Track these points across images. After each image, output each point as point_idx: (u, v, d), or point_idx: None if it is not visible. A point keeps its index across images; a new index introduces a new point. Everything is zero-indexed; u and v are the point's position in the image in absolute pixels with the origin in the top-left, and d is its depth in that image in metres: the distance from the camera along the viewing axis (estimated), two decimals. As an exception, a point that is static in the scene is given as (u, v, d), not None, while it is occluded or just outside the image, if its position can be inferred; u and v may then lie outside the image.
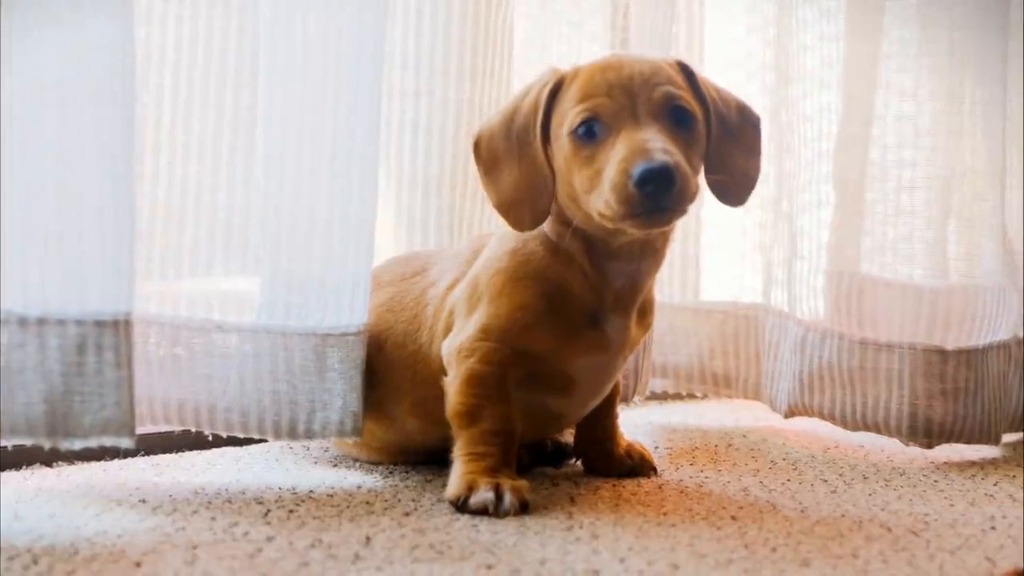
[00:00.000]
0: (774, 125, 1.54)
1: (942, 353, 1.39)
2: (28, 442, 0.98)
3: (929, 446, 1.40)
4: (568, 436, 1.30)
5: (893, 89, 1.45)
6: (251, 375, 1.14)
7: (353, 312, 1.15)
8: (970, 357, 1.40)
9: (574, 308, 1.10)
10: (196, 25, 1.16)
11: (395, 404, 1.18)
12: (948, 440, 1.39)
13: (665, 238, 1.13)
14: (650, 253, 1.11)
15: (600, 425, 1.24)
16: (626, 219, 1.01)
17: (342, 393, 1.15)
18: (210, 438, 1.23)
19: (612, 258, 1.10)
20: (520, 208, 1.09)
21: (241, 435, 1.16)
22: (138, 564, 0.87)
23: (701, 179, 1.09)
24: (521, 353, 1.10)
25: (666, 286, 1.61)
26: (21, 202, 0.96)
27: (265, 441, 1.30)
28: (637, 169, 0.98)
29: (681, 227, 1.61)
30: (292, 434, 1.15)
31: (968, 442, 1.40)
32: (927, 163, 1.45)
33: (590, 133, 1.04)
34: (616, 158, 1.00)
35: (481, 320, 1.10)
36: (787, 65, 1.50)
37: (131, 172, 1.01)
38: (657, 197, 0.98)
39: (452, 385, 1.11)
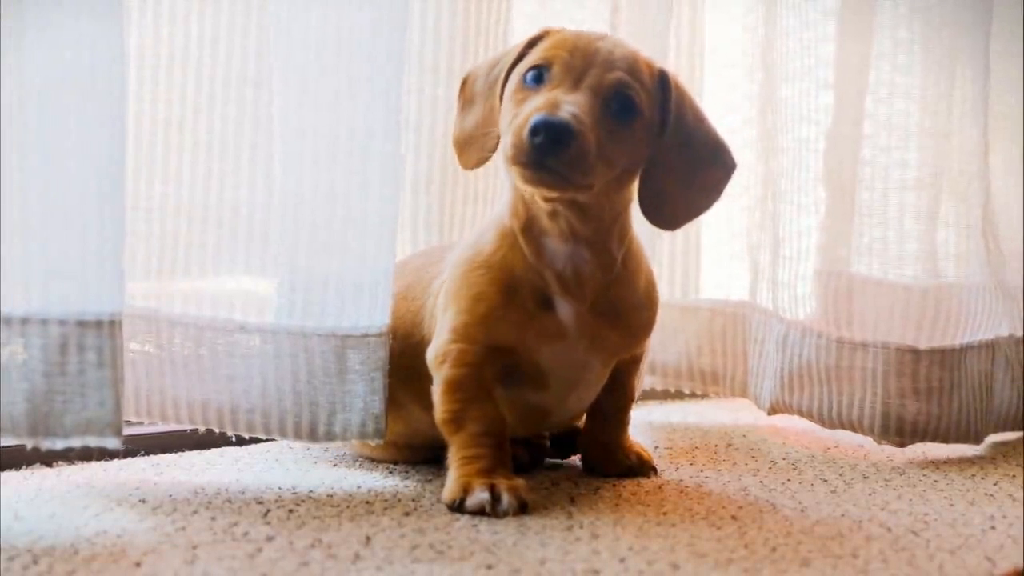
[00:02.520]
0: (762, 126, 1.54)
1: (915, 352, 1.39)
2: (10, 441, 0.99)
3: (902, 445, 1.40)
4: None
5: (882, 88, 1.45)
6: (272, 376, 1.14)
7: (373, 313, 1.15)
8: (944, 357, 1.40)
9: (524, 290, 1.10)
10: (217, 22, 1.16)
11: (403, 391, 1.18)
12: (922, 439, 1.39)
13: (599, 228, 1.10)
14: (583, 240, 1.10)
15: (607, 427, 1.23)
16: (515, 165, 1.01)
17: (363, 395, 1.15)
18: (233, 437, 1.22)
19: (545, 234, 1.10)
20: (470, 147, 1.12)
21: (263, 436, 1.16)
22: (138, 564, 0.87)
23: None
24: (491, 348, 1.10)
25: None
26: (5, 201, 0.96)
27: (269, 441, 1.30)
28: (534, 118, 0.99)
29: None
30: (313, 436, 1.15)
31: (945, 441, 1.40)
32: (911, 163, 1.44)
33: (538, 79, 1.05)
34: (530, 106, 1.02)
35: (449, 321, 1.11)
36: (778, 64, 1.49)
37: (121, 172, 1.01)
38: (543, 151, 0.99)
39: (436, 393, 1.11)
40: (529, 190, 1.06)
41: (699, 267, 1.64)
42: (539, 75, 1.05)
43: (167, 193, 1.15)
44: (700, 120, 1.13)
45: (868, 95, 1.45)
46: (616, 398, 1.22)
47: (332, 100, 1.13)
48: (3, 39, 0.95)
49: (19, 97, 0.96)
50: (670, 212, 1.13)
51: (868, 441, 1.46)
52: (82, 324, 0.98)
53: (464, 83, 1.16)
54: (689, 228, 1.61)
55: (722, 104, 1.61)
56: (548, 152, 0.99)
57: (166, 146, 1.16)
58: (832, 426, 1.43)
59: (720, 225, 1.65)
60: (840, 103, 1.46)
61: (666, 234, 1.59)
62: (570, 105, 1.01)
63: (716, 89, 1.62)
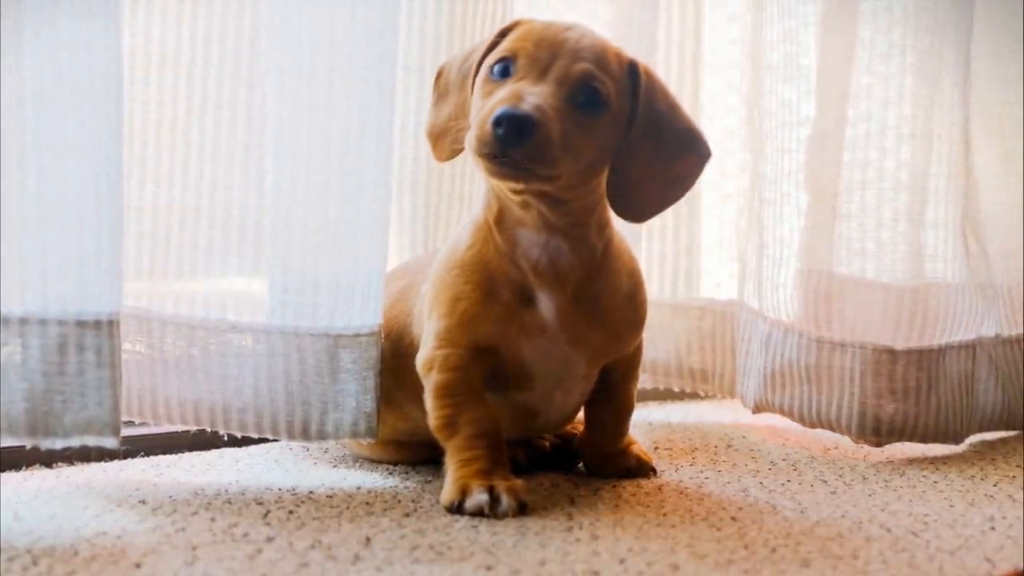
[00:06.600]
0: (749, 128, 1.54)
1: (891, 353, 1.39)
2: (9, 441, 0.99)
3: (879, 444, 1.40)
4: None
5: (864, 90, 1.45)
6: (265, 375, 1.14)
7: (365, 312, 1.15)
8: (921, 357, 1.40)
9: (502, 285, 1.10)
10: (210, 23, 1.16)
11: (399, 390, 1.19)
12: (900, 439, 1.40)
13: (574, 221, 1.09)
14: (559, 231, 1.09)
15: (606, 436, 1.23)
16: (479, 156, 1.02)
17: (355, 394, 1.15)
18: (225, 437, 1.23)
19: (518, 224, 1.10)
20: (443, 138, 1.13)
21: (256, 435, 1.17)
22: (138, 564, 0.87)
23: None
24: (476, 349, 1.10)
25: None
26: (3, 201, 0.96)
27: (267, 441, 1.30)
28: (498, 110, 0.99)
29: (658, 223, 1.60)
30: (305, 435, 1.15)
31: (923, 441, 1.40)
32: (891, 164, 1.44)
33: (504, 72, 1.06)
34: (495, 98, 1.02)
35: (433, 327, 1.11)
36: (772, 67, 1.49)
37: (119, 172, 1.01)
38: (505, 142, 0.99)
39: (427, 400, 1.11)
40: (494, 182, 1.07)
41: (692, 266, 1.64)
42: (505, 68, 1.06)
43: (159, 193, 1.15)
44: (673, 109, 1.12)
45: (850, 97, 1.45)
46: (615, 407, 1.22)
47: (325, 101, 1.13)
48: (2, 39, 0.95)
49: (17, 97, 0.96)
50: (637, 202, 1.11)
51: (867, 442, 1.47)
52: (81, 324, 0.98)
53: (439, 75, 1.16)
54: (683, 227, 1.61)
55: (722, 105, 1.61)
56: (510, 143, 0.99)
57: (158, 147, 1.16)
58: (812, 425, 1.44)
59: (718, 226, 1.65)
60: (821, 104, 1.46)
61: (660, 232, 1.59)
62: (533, 96, 1.01)
63: (716, 90, 1.61)
